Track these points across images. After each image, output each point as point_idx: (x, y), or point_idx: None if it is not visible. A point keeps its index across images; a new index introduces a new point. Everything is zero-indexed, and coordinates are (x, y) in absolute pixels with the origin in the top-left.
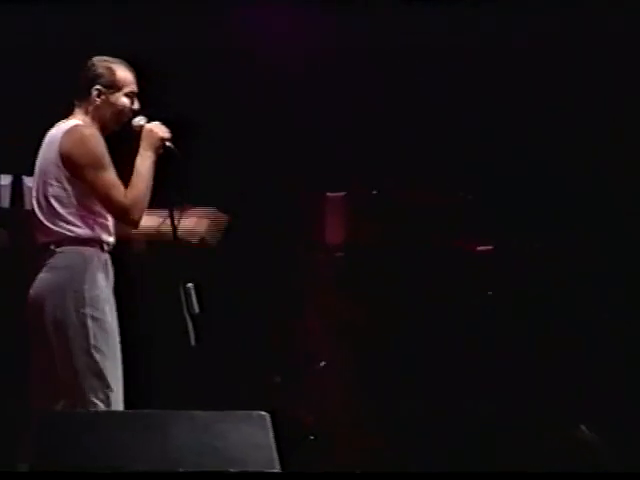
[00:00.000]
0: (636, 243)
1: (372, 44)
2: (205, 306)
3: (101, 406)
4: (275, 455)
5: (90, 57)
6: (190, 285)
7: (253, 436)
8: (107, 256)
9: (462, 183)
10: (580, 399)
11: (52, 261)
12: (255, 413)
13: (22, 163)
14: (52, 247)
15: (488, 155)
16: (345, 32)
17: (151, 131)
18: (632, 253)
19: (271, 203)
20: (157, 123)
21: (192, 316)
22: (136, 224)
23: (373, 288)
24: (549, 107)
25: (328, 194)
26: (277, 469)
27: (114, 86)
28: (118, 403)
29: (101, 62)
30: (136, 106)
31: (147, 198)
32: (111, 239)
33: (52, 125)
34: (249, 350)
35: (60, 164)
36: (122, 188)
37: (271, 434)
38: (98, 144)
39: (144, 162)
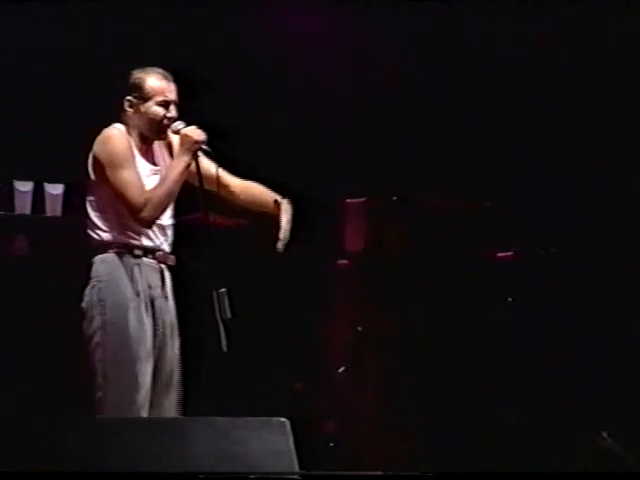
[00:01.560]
0: None
1: (386, 47)
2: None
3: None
4: (295, 462)
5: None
6: (223, 290)
7: (273, 442)
8: (138, 261)
9: (481, 190)
10: (604, 406)
11: (90, 273)
12: (275, 419)
13: (43, 170)
14: (91, 257)
15: (506, 162)
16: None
17: (186, 135)
18: None
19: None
20: (194, 127)
21: (224, 321)
22: (147, 223)
23: (394, 294)
24: (568, 112)
25: (348, 200)
26: (297, 476)
27: (144, 96)
28: (130, 411)
29: (134, 73)
30: (172, 114)
31: (167, 200)
32: (144, 243)
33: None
34: (270, 356)
35: (90, 168)
36: (139, 187)
37: (291, 440)
38: (118, 144)
39: (176, 166)
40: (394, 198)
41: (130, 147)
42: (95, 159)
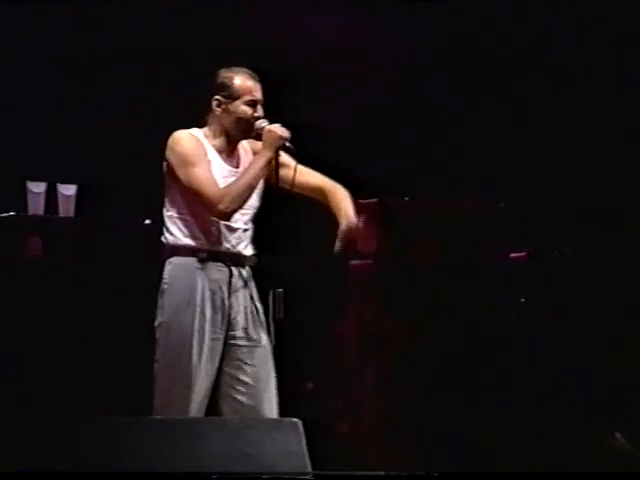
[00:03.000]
0: None
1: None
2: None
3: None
4: (308, 462)
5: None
6: (280, 290)
7: (285, 443)
8: (203, 265)
9: (493, 190)
10: (617, 406)
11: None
12: (287, 420)
13: (56, 170)
14: (163, 261)
15: (520, 161)
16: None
17: (271, 131)
18: None
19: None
20: (277, 125)
21: (276, 321)
22: (225, 215)
23: (406, 295)
24: (584, 111)
25: (360, 201)
26: (310, 477)
27: (232, 95)
28: (179, 413)
29: (221, 73)
30: (259, 113)
31: (245, 193)
32: (212, 247)
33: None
34: (281, 356)
35: (165, 171)
36: (214, 181)
37: (303, 441)
38: (187, 143)
39: (257, 161)
40: (406, 199)
41: (200, 146)
42: (167, 163)
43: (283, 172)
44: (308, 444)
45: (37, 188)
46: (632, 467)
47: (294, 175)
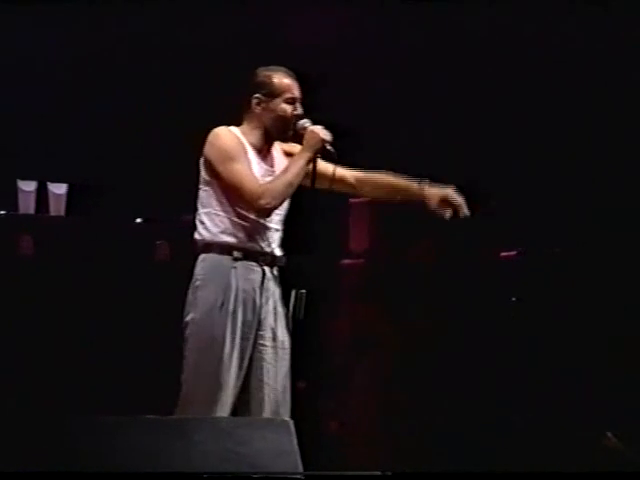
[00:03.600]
0: None
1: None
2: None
3: (177, 411)
4: (299, 461)
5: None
6: (303, 291)
7: (277, 442)
8: (236, 263)
9: (483, 189)
10: (607, 405)
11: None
12: (278, 419)
13: (46, 169)
14: (196, 257)
15: (511, 160)
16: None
17: (313, 132)
18: None
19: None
20: (320, 127)
21: (295, 321)
22: (265, 212)
23: (397, 293)
24: (577, 111)
25: (352, 200)
26: (301, 476)
27: (272, 93)
28: (205, 410)
29: (260, 71)
30: (298, 111)
31: (286, 190)
32: (247, 245)
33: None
34: None
35: (202, 168)
36: (254, 177)
37: (295, 440)
38: (226, 140)
39: (298, 160)
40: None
41: (240, 143)
42: (206, 159)
43: (322, 169)
44: (299, 443)
45: (28, 187)
46: (630, 467)
47: (334, 170)
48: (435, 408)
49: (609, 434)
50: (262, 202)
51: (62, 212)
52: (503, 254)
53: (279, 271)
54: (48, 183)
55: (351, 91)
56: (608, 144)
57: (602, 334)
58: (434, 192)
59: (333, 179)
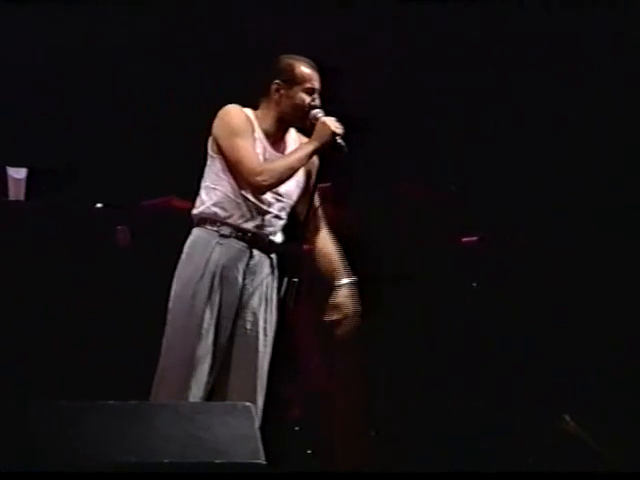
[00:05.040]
0: (623, 234)
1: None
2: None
3: (154, 390)
4: (260, 446)
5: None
6: (296, 280)
7: (238, 427)
8: (224, 240)
9: (448, 175)
10: (566, 392)
11: None
12: (239, 404)
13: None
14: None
15: (473, 146)
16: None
17: (324, 124)
18: (619, 245)
19: None
20: (333, 119)
21: (284, 309)
22: (261, 189)
23: (359, 279)
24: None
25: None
26: (262, 460)
27: (293, 81)
28: (181, 386)
29: (283, 58)
30: (316, 102)
31: (286, 172)
32: (238, 223)
33: None
34: None
35: (209, 144)
36: (256, 155)
37: (256, 425)
38: (234, 116)
39: (305, 147)
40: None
41: (249, 122)
42: (213, 134)
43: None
44: (261, 428)
45: (18, 174)
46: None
47: (312, 207)
48: (398, 393)
49: (567, 417)
50: (259, 179)
51: (22, 197)
52: (464, 239)
53: (276, 259)
54: (7, 167)
55: (367, 86)
56: (572, 128)
57: (560, 317)
58: (339, 297)
59: (307, 197)
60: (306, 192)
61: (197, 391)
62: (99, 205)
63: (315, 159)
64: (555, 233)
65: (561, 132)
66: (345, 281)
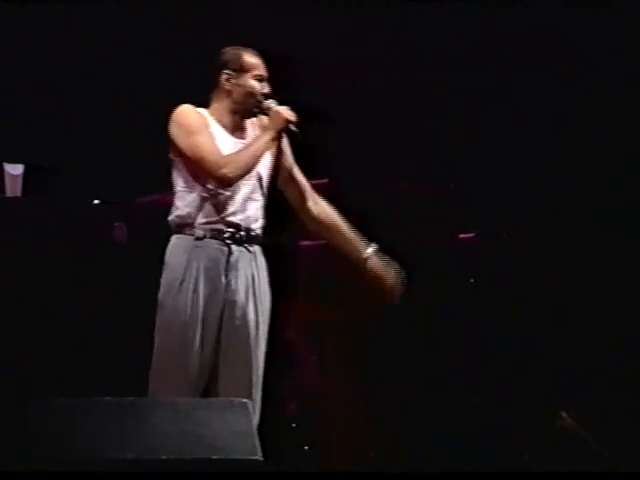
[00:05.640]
0: (623, 233)
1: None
2: None
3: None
4: (257, 443)
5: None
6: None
7: (235, 424)
8: (200, 243)
9: (445, 172)
10: (566, 390)
11: None
12: (237, 400)
13: (2, 149)
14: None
15: (471, 144)
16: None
17: (277, 112)
18: (619, 243)
19: None
20: (286, 107)
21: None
22: (228, 181)
23: (356, 276)
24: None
25: (311, 181)
26: (259, 457)
27: (242, 69)
28: (172, 392)
29: (229, 50)
30: (266, 90)
31: (250, 162)
32: (211, 222)
33: None
34: None
35: (170, 150)
36: (216, 148)
37: (253, 422)
38: (190, 115)
39: (261, 137)
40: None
41: (203, 118)
42: (170, 137)
43: (286, 164)
44: (258, 425)
45: (15, 170)
46: (579, 447)
47: (287, 168)
48: (395, 391)
49: (564, 414)
50: (225, 171)
51: (18, 193)
52: (461, 236)
53: (259, 250)
54: (4, 164)
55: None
56: (569, 127)
57: (558, 314)
58: (375, 267)
59: (290, 179)
60: (283, 172)
61: (192, 394)
62: (96, 202)
63: (257, 126)
64: (554, 230)
65: (561, 131)
66: (371, 249)
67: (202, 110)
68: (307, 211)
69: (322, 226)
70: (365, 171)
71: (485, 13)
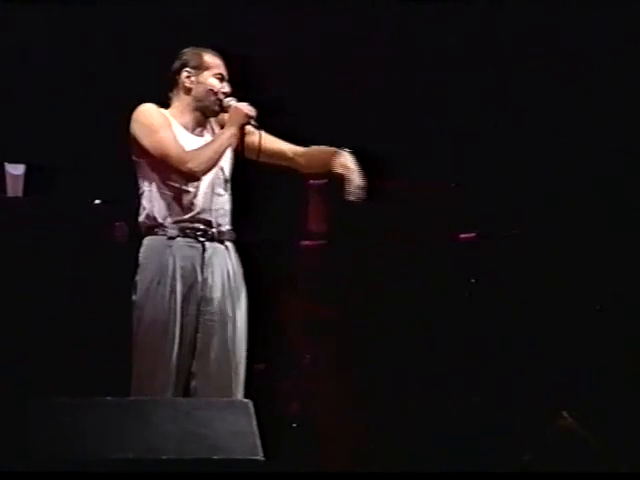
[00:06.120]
0: (623, 232)
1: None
2: None
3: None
4: (258, 442)
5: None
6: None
7: (236, 423)
8: (171, 242)
9: (445, 172)
10: (566, 390)
11: None
12: (238, 400)
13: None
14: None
15: (472, 144)
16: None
17: (237, 108)
18: (619, 242)
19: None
20: (245, 103)
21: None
22: (194, 175)
23: (357, 276)
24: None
25: (311, 182)
26: (260, 457)
27: (202, 67)
28: (153, 392)
29: (187, 50)
30: (226, 89)
31: (214, 156)
32: (183, 222)
33: None
34: None
35: (132, 150)
36: (179, 145)
37: (254, 421)
38: (152, 113)
39: (223, 133)
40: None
41: (165, 117)
42: (132, 137)
43: (249, 140)
44: (259, 425)
45: (16, 170)
46: (580, 446)
47: (259, 142)
48: (395, 391)
49: (565, 413)
50: (190, 165)
51: (20, 193)
52: (462, 235)
53: (232, 247)
54: (5, 164)
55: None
56: (570, 126)
57: (559, 314)
58: (341, 162)
59: (260, 150)
60: (268, 152)
61: (175, 392)
62: (97, 201)
63: (217, 127)
64: (554, 230)
65: (561, 131)
66: (341, 150)
67: (163, 110)
68: (294, 163)
69: (304, 160)
70: (365, 171)
71: (485, 13)
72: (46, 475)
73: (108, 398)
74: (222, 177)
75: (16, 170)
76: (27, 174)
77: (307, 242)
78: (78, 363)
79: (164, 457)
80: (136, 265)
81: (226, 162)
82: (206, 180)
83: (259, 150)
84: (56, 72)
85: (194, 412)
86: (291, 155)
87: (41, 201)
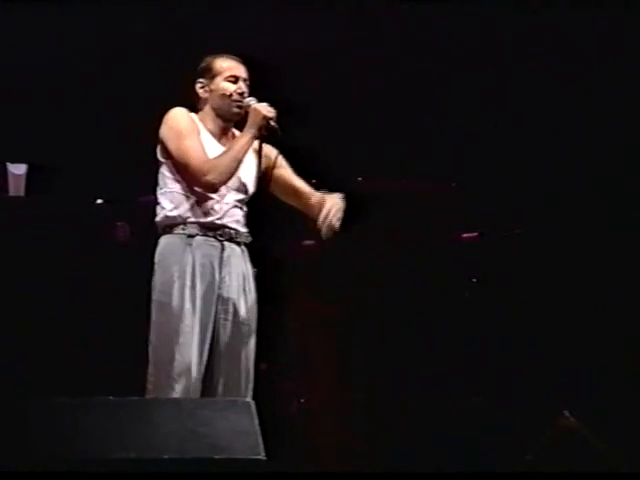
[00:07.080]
0: (623, 232)
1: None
2: None
3: (150, 394)
4: (260, 442)
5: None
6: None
7: (238, 423)
8: (191, 240)
9: (445, 172)
10: (566, 389)
11: None
12: (240, 400)
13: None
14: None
15: (473, 143)
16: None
17: (255, 110)
18: (619, 242)
19: None
20: (264, 104)
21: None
22: (212, 187)
23: (358, 275)
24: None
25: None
26: (262, 456)
27: (212, 74)
28: (172, 393)
29: (203, 59)
30: (242, 89)
31: (233, 165)
32: (201, 221)
33: None
34: None
35: (158, 151)
36: (203, 154)
37: (256, 421)
38: (182, 119)
39: (242, 137)
40: (359, 179)
41: (193, 123)
42: (160, 139)
43: (265, 161)
44: (260, 424)
45: (18, 170)
46: (582, 446)
47: (283, 180)
48: (395, 391)
49: (566, 413)
50: (208, 178)
51: (22, 192)
52: (464, 235)
53: (246, 249)
54: (8, 163)
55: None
56: (571, 126)
57: (560, 313)
58: (318, 199)
59: (293, 190)
60: (282, 184)
61: (195, 391)
62: (99, 201)
63: (256, 145)
64: (554, 230)
65: (561, 131)
66: (332, 195)
67: (194, 115)
68: (312, 208)
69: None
70: (365, 171)
71: (485, 13)
72: (46, 475)
73: (109, 398)
74: (244, 192)
75: (18, 170)
76: (29, 174)
77: (306, 242)
78: (78, 363)
79: (165, 456)
80: (152, 263)
81: (248, 178)
82: (228, 193)
83: (282, 189)
84: (56, 72)
85: (196, 411)
86: (304, 201)
87: (43, 201)
